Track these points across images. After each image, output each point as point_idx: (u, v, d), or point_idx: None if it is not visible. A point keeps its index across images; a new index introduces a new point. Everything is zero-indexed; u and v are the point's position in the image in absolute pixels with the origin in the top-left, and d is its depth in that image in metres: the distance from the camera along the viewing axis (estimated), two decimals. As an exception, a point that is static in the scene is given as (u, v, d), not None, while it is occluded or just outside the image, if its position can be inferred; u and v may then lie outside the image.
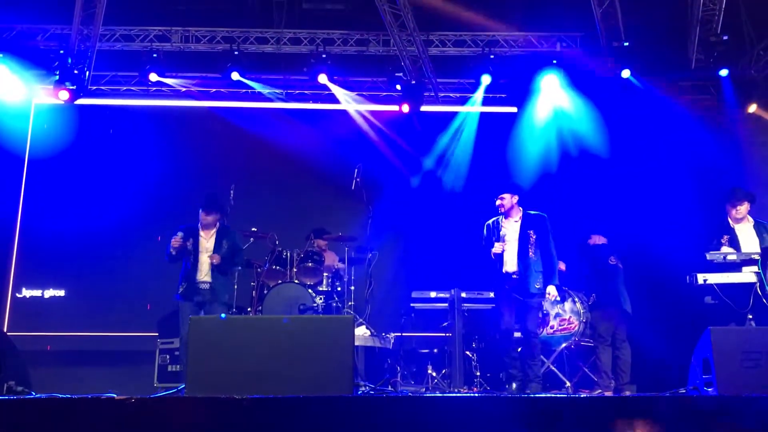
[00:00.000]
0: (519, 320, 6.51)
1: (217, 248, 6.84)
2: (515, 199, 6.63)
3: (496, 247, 6.51)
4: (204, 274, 6.77)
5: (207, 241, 6.87)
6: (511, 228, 6.60)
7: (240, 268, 7.27)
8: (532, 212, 6.64)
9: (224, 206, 7.02)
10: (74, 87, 8.78)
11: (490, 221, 6.74)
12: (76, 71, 8.75)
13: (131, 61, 9.31)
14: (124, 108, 9.76)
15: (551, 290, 6.46)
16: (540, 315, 7.11)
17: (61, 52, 8.72)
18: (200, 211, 6.94)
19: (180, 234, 6.76)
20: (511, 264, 6.52)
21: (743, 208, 6.52)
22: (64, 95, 8.78)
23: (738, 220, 6.54)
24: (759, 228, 6.50)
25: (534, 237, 6.48)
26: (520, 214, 6.64)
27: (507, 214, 6.63)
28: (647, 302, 7.57)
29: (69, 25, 8.58)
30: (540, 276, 6.42)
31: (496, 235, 6.61)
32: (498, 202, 6.64)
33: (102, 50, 9.02)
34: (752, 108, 8.68)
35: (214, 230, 6.93)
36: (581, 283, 7.63)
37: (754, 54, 8.73)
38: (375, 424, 3.71)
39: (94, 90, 9.45)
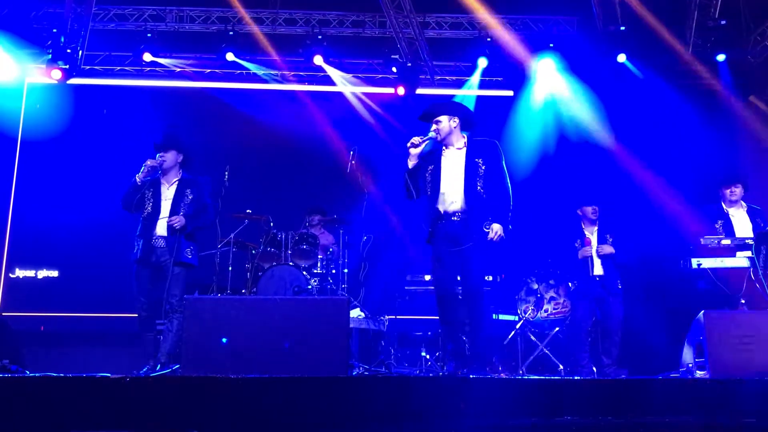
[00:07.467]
0: (461, 273, 5.18)
1: (178, 198, 5.86)
2: (455, 122, 5.32)
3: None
4: (162, 228, 5.82)
5: (167, 189, 5.91)
6: (452, 157, 5.31)
7: (208, 224, 6.12)
8: (480, 138, 5.38)
9: (184, 146, 6.03)
10: (67, 66, 8.77)
11: (417, 142, 5.31)
12: (68, 50, 8.70)
13: (125, 40, 9.22)
14: (119, 88, 9.67)
15: (497, 227, 5.08)
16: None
17: (54, 30, 8.66)
18: (156, 151, 5.95)
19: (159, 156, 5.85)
20: (454, 201, 5.18)
21: (738, 190, 6.57)
22: (57, 74, 8.78)
23: (732, 204, 6.57)
24: (752, 213, 6.55)
25: (483, 168, 5.19)
26: (464, 141, 5.35)
27: (445, 142, 5.33)
28: (640, 286, 7.57)
29: (62, 4, 8.49)
30: (488, 218, 5.12)
31: (434, 164, 5.30)
32: (433, 128, 5.31)
33: (96, 30, 8.95)
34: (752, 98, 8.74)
35: (176, 178, 5.97)
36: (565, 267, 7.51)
37: (752, 39, 8.71)
38: (369, 404, 3.73)
39: (87, 70, 9.39)
